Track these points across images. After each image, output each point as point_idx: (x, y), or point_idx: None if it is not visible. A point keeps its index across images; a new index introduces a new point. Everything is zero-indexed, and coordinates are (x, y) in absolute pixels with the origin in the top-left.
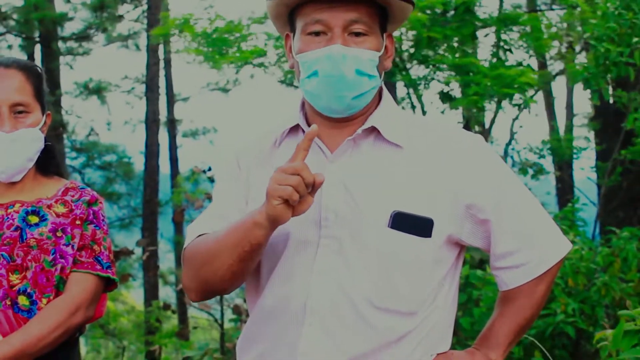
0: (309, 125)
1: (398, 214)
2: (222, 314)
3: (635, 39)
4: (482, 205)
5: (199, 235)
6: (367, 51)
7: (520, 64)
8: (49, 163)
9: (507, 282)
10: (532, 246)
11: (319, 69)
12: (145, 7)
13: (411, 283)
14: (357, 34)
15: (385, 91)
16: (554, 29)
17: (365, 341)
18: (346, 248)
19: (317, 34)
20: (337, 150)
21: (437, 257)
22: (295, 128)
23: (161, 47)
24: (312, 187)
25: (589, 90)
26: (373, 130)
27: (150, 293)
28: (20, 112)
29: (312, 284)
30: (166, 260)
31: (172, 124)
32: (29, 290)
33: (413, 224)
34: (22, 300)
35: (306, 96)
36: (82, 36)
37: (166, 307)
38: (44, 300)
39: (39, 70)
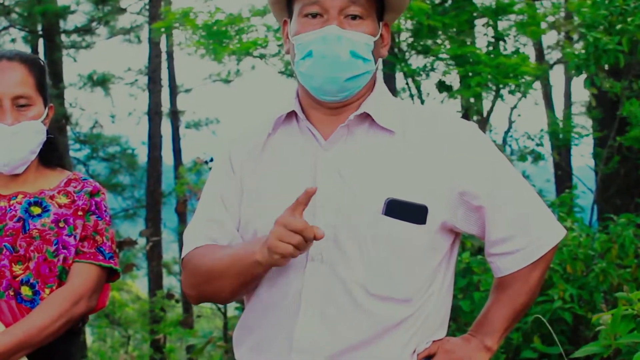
0: (304, 113)
1: (392, 201)
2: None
3: (620, 26)
4: (476, 191)
5: (199, 245)
6: (363, 34)
7: (517, 52)
8: (51, 155)
9: (502, 268)
10: (526, 232)
11: (313, 50)
12: (146, 0)
13: (406, 270)
14: (354, 17)
15: (379, 79)
16: (550, 18)
17: (360, 328)
18: (341, 235)
19: (313, 15)
20: (330, 137)
21: (431, 244)
22: (290, 115)
23: (163, 40)
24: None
25: (583, 78)
26: (367, 117)
27: (155, 282)
28: (22, 105)
29: (307, 271)
30: (170, 250)
31: (175, 115)
32: (31, 280)
33: (407, 211)
34: (25, 291)
35: (300, 78)
36: (85, 29)
37: (170, 296)
38: (47, 291)
39: (42, 63)
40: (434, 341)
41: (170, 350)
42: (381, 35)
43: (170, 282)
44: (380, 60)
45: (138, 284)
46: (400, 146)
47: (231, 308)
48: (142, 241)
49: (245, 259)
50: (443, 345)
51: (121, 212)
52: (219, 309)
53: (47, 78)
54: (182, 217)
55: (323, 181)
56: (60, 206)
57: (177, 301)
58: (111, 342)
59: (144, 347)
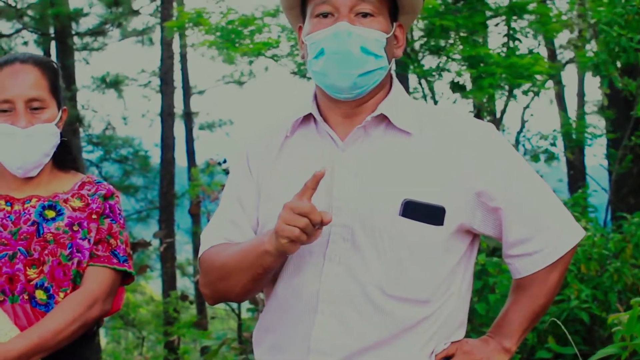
0: (321, 115)
1: (409, 202)
2: (240, 304)
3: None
4: (493, 193)
5: (214, 244)
6: (373, 30)
7: (531, 51)
8: (65, 158)
9: (520, 270)
10: (544, 234)
11: (325, 47)
12: (159, 1)
13: (423, 271)
14: (364, 15)
15: (395, 80)
16: (564, 17)
17: (378, 329)
18: (357, 236)
19: (325, 15)
20: (347, 138)
21: (449, 245)
22: (308, 118)
23: (176, 41)
24: (321, 223)
25: (599, 78)
26: (384, 118)
27: (168, 284)
28: (36, 108)
29: (324, 272)
30: (184, 252)
31: (188, 116)
32: (46, 284)
33: (424, 212)
34: (40, 295)
35: (314, 77)
36: (97, 31)
37: (184, 297)
38: (61, 294)
39: (55, 65)
40: (452, 342)
41: (185, 351)
42: (395, 35)
43: (184, 283)
44: (393, 61)
45: (152, 285)
46: (417, 147)
47: (245, 309)
48: (155, 242)
49: (254, 250)
50: (461, 347)
51: (134, 213)
52: (233, 310)
53: (61, 81)
54: (196, 219)
55: (340, 182)
56: (74, 210)
57: (191, 302)
58: (125, 344)
59: (158, 349)
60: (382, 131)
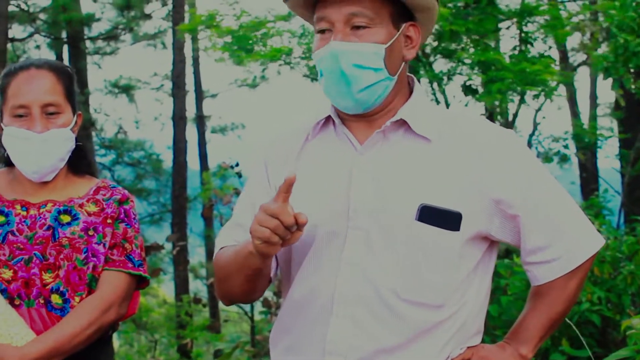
0: (340, 117)
1: (426, 207)
2: (252, 307)
3: None
4: (511, 200)
5: (223, 246)
6: (368, 44)
7: (542, 55)
8: (80, 162)
9: (539, 277)
10: (563, 241)
11: (322, 69)
12: (170, 6)
13: (438, 276)
14: (359, 27)
15: (417, 84)
16: (575, 19)
17: (393, 332)
18: (373, 240)
19: (323, 31)
20: (366, 142)
21: (465, 250)
22: (328, 121)
23: (188, 45)
24: (298, 225)
25: (610, 80)
26: (403, 123)
27: (181, 287)
28: (51, 113)
29: (340, 275)
30: (196, 255)
31: (200, 120)
32: (61, 288)
33: (441, 217)
34: (55, 299)
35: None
36: (110, 36)
37: (197, 301)
38: (77, 299)
39: (70, 70)
40: (468, 347)
41: (198, 354)
42: (407, 37)
43: (196, 286)
44: (404, 64)
45: (164, 288)
46: (436, 153)
47: (257, 312)
48: (168, 246)
49: (243, 251)
50: (477, 352)
51: (147, 217)
52: (246, 313)
53: (76, 86)
54: (208, 222)
55: (357, 185)
56: (89, 214)
57: (204, 305)
58: (138, 347)
59: (171, 352)
60: (401, 136)
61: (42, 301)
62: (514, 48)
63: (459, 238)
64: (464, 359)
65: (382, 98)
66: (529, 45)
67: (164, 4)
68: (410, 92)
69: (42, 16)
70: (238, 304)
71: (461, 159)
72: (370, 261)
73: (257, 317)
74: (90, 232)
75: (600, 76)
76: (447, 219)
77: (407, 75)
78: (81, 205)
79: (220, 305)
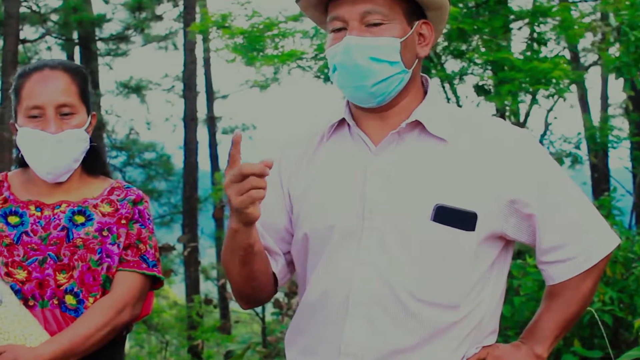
0: (354, 119)
1: (441, 207)
2: (264, 308)
3: None
4: (527, 200)
5: None
6: (383, 38)
7: (557, 55)
8: (94, 163)
9: (554, 276)
10: (578, 241)
11: (336, 63)
12: (182, 7)
13: (453, 276)
14: (374, 24)
15: (431, 84)
16: (586, 19)
17: (408, 333)
18: (389, 240)
19: (338, 30)
20: (381, 143)
21: (480, 250)
22: (342, 123)
23: (199, 46)
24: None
25: (622, 81)
26: (418, 124)
27: (192, 288)
28: (65, 114)
29: (355, 275)
30: (207, 256)
31: (211, 121)
32: (75, 289)
33: (456, 217)
34: (69, 300)
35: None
36: (121, 37)
37: (208, 302)
38: (91, 299)
39: (85, 71)
40: (483, 347)
41: (209, 356)
42: (420, 34)
43: (207, 287)
44: (418, 61)
45: (175, 289)
46: (451, 153)
47: (269, 313)
48: (178, 247)
49: (229, 233)
50: (492, 352)
51: (158, 218)
52: (257, 314)
53: (90, 86)
54: (219, 223)
55: (372, 186)
56: (103, 215)
57: (215, 306)
58: (148, 348)
59: (181, 353)
60: (416, 136)
61: (56, 302)
62: (527, 48)
63: (475, 238)
64: (479, 358)
65: (396, 91)
66: (543, 46)
67: (175, 5)
68: (425, 92)
69: (54, 17)
70: (254, 306)
71: (476, 159)
72: (386, 261)
73: (269, 318)
74: (105, 233)
75: (611, 77)
76: (462, 219)
77: (421, 75)
78: (95, 206)
79: (231, 306)
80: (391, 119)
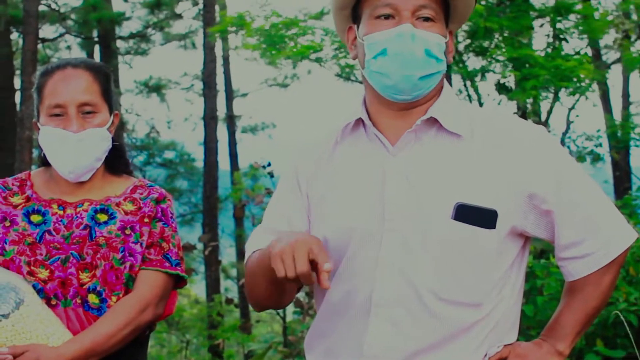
0: (371, 120)
1: (461, 206)
2: (284, 308)
3: None
4: (545, 196)
5: (255, 251)
6: (435, 34)
7: (578, 52)
8: (117, 162)
9: (573, 272)
10: (596, 236)
11: (388, 47)
12: (201, 5)
13: (475, 274)
14: (426, 19)
15: (445, 83)
16: (609, 17)
17: (431, 332)
18: (410, 240)
19: (386, 17)
20: (398, 142)
21: (501, 248)
22: (358, 123)
23: (218, 45)
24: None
25: None
26: (435, 121)
27: (212, 287)
28: (88, 112)
29: (377, 276)
30: (227, 255)
31: (231, 120)
32: (98, 288)
33: (477, 216)
34: (92, 299)
35: (371, 78)
36: (140, 35)
37: (229, 301)
38: (114, 298)
39: (107, 70)
40: (505, 345)
41: (230, 355)
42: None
43: (227, 286)
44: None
45: (195, 288)
46: (468, 150)
47: (290, 312)
48: (199, 246)
49: (265, 256)
50: (514, 350)
51: (178, 217)
52: (278, 313)
53: (113, 85)
54: (239, 222)
55: (391, 187)
56: (126, 213)
57: (236, 306)
58: (169, 347)
59: (202, 352)
60: (433, 134)
61: (79, 301)
62: (548, 45)
63: (496, 236)
64: (501, 357)
65: (431, 88)
66: (563, 43)
67: (195, 4)
68: (440, 90)
69: (73, 16)
70: (268, 309)
71: (494, 156)
72: (408, 262)
73: (289, 317)
74: (127, 231)
75: (633, 75)
76: (483, 217)
77: None
78: (118, 204)
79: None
80: (410, 117)
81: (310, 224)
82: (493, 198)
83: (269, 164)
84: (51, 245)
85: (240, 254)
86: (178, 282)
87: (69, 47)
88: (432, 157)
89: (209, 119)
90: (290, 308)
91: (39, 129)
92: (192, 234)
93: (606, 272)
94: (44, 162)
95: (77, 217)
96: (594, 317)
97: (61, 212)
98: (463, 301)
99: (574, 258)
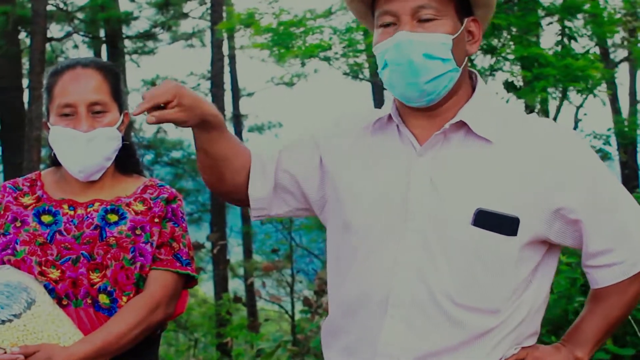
0: (400, 116)
1: (481, 212)
2: (293, 306)
3: None
4: (573, 206)
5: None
6: (436, 34)
7: (587, 52)
8: (128, 161)
9: (599, 280)
10: (625, 246)
11: (387, 59)
12: (209, 4)
13: (493, 281)
14: (427, 20)
15: (480, 82)
16: (617, 15)
17: (446, 336)
18: (430, 243)
19: (387, 25)
20: (425, 143)
21: (522, 255)
22: (388, 119)
23: (225, 44)
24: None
25: None
26: (464, 124)
27: (220, 286)
28: (97, 112)
29: (395, 276)
30: (234, 254)
31: (237, 119)
32: (109, 288)
33: (497, 222)
34: (103, 299)
35: (386, 87)
36: (148, 35)
37: (237, 299)
38: (124, 298)
39: (117, 69)
40: (522, 347)
41: (238, 353)
42: (469, 31)
43: (234, 285)
44: (467, 59)
45: (203, 287)
46: (496, 156)
47: (298, 310)
48: (207, 245)
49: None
50: (532, 352)
51: (186, 216)
52: (287, 312)
53: (122, 84)
54: (247, 221)
55: (415, 188)
56: (136, 213)
57: (244, 304)
58: (176, 346)
59: (210, 351)
60: (462, 137)
61: (89, 301)
62: (557, 44)
63: (516, 243)
64: (518, 359)
65: (446, 90)
66: (572, 41)
67: (202, 3)
68: (473, 89)
69: (80, 15)
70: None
71: (523, 162)
72: (427, 264)
73: (298, 316)
74: (138, 231)
75: None
76: (503, 224)
77: (470, 70)
78: (128, 204)
79: (259, 304)
80: (438, 118)
81: (330, 202)
82: (516, 206)
83: None
84: (62, 245)
85: (247, 252)
86: (188, 281)
87: (76, 47)
88: (458, 161)
89: None
90: (299, 307)
91: (49, 128)
92: (199, 233)
93: (632, 282)
94: (54, 162)
95: (87, 217)
96: (616, 327)
97: (72, 213)
98: (480, 307)
99: (601, 266)
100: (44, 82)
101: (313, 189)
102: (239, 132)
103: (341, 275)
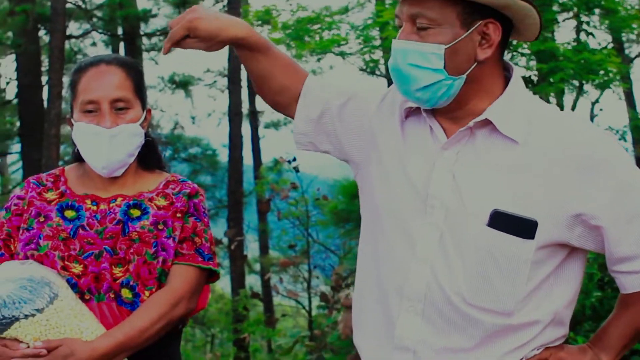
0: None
1: (498, 213)
2: (310, 302)
3: None
4: (595, 213)
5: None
6: (427, 44)
7: (605, 47)
8: (150, 157)
9: (626, 286)
10: None
11: (389, 64)
12: (225, 2)
13: (507, 284)
14: (422, 28)
15: (513, 80)
16: (632, 11)
17: (462, 333)
18: (446, 240)
19: (399, 28)
20: (451, 137)
21: (539, 258)
22: (418, 109)
23: None
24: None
25: None
26: (490, 122)
27: (237, 282)
28: (120, 109)
29: (411, 269)
30: (250, 250)
31: (254, 115)
32: (131, 282)
33: (514, 224)
34: (125, 293)
35: None
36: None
37: (255, 295)
38: (147, 293)
39: (140, 66)
40: (546, 348)
41: (255, 349)
42: (484, 33)
43: (250, 281)
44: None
45: (220, 283)
46: (520, 156)
47: (315, 306)
48: (224, 240)
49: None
50: (556, 353)
51: None
52: (304, 307)
53: (145, 81)
54: (263, 217)
55: (437, 181)
56: (159, 208)
57: (261, 300)
58: (193, 342)
59: (226, 346)
60: (487, 135)
61: (112, 295)
62: (574, 39)
63: (533, 246)
64: (540, 359)
65: (448, 97)
66: (592, 37)
67: (218, 1)
68: (507, 82)
69: (99, 13)
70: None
71: (547, 165)
72: (441, 261)
73: (315, 311)
74: (160, 226)
75: None
76: (520, 226)
77: (507, 63)
78: (151, 199)
79: (276, 300)
80: (465, 114)
81: (362, 176)
82: (536, 209)
83: (295, 159)
84: (85, 240)
85: (263, 248)
86: (210, 276)
87: (94, 44)
88: (482, 159)
89: (234, 115)
90: (316, 302)
91: (72, 124)
92: (215, 229)
93: None
94: (78, 158)
95: (110, 212)
96: None
97: (94, 208)
98: (492, 309)
99: (628, 272)
100: (68, 79)
101: (353, 147)
102: (255, 129)
103: (363, 271)
